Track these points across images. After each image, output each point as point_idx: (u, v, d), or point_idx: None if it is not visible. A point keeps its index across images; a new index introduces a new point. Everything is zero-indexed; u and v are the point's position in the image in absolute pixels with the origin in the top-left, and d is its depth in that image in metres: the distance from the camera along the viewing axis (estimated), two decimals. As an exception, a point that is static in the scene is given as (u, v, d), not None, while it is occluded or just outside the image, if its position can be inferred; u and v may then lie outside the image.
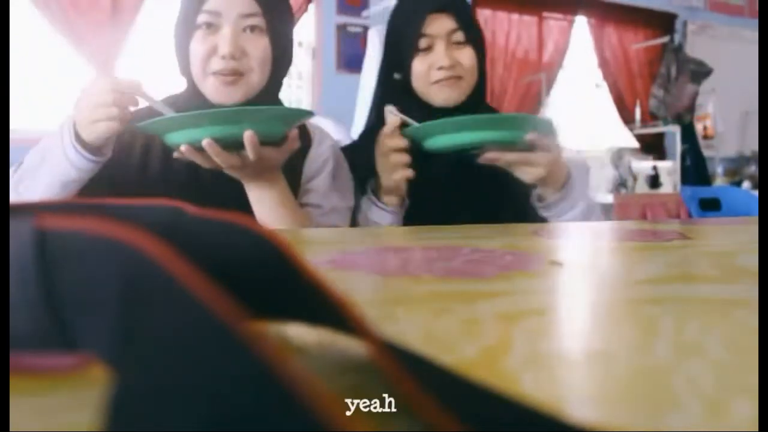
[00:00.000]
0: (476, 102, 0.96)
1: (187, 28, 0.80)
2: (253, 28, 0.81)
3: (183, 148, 0.68)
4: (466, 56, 0.92)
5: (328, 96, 3.63)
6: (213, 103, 0.81)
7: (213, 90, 0.81)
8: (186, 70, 0.83)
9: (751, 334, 0.22)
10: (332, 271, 0.36)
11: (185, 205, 0.18)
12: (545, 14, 4.35)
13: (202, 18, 0.79)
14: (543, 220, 0.87)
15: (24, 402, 0.15)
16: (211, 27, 0.79)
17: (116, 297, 0.12)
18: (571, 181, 0.86)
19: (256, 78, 0.82)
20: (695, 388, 0.16)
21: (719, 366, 0.18)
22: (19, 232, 0.14)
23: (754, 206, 1.96)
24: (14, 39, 2.82)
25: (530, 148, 0.81)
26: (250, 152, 0.68)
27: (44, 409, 0.14)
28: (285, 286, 0.16)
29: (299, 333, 0.20)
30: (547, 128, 0.83)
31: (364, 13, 3.66)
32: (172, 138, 0.69)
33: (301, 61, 3.75)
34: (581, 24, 4.50)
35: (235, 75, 0.80)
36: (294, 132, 0.73)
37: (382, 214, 0.88)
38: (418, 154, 0.86)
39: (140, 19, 3.13)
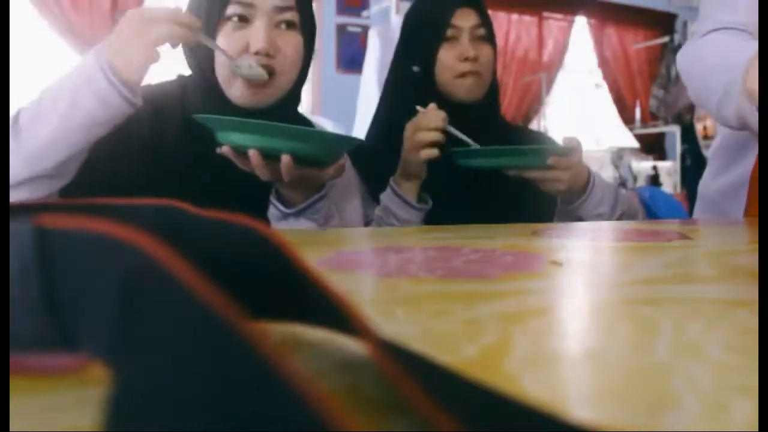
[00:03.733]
0: (493, 100, 0.98)
1: (211, 20, 0.71)
2: (287, 24, 0.73)
3: (225, 149, 0.66)
4: (487, 52, 0.94)
5: (328, 96, 3.63)
6: (237, 106, 0.74)
7: (239, 92, 0.73)
8: (207, 68, 0.73)
9: (751, 334, 0.22)
10: (332, 271, 0.36)
11: (185, 205, 0.18)
12: (545, 14, 4.36)
13: (232, 9, 0.71)
14: (579, 218, 0.90)
15: (24, 402, 0.15)
16: (242, 20, 0.71)
17: (116, 297, 0.12)
18: (593, 180, 0.89)
19: (286, 79, 0.75)
20: (695, 388, 0.16)
21: (719, 366, 0.18)
22: (19, 231, 0.14)
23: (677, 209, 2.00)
24: (14, 39, 2.82)
25: (549, 169, 0.86)
26: (285, 175, 0.65)
27: (44, 409, 0.14)
28: (285, 286, 0.16)
29: (299, 333, 0.20)
30: (571, 149, 0.89)
31: (364, 13, 3.66)
32: (222, 137, 0.67)
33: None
34: (581, 24, 4.50)
35: (268, 75, 0.72)
36: (342, 161, 0.71)
37: (405, 207, 0.88)
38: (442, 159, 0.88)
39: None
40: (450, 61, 0.92)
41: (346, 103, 3.01)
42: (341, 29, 3.71)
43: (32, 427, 0.13)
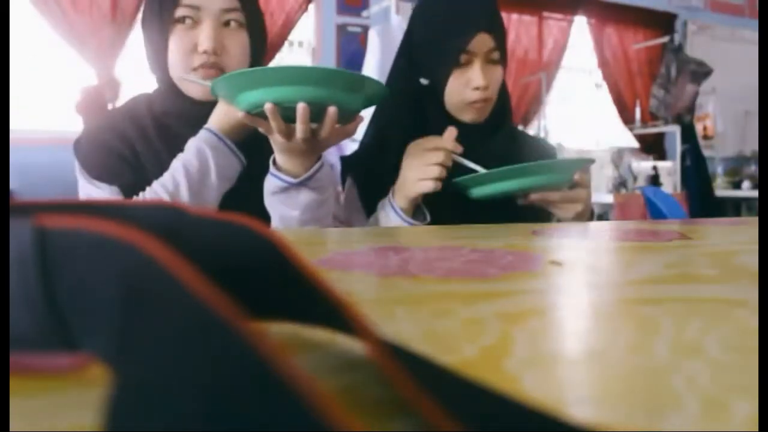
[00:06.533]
0: (501, 120, 0.95)
1: (163, 23, 0.79)
2: (232, 24, 0.80)
3: (268, 107, 0.64)
4: (497, 75, 0.91)
5: (328, 96, 3.62)
6: (193, 99, 0.81)
7: (193, 86, 0.80)
8: (162, 67, 0.81)
9: (751, 334, 0.22)
10: (332, 271, 0.36)
11: (185, 205, 0.18)
12: (545, 14, 4.35)
13: (180, 12, 0.78)
14: None
15: (24, 402, 0.15)
16: (190, 22, 0.78)
17: (116, 297, 0.12)
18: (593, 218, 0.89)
19: None
20: (695, 388, 0.16)
21: (719, 366, 0.18)
22: (19, 231, 0.14)
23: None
24: (14, 39, 2.82)
25: (571, 186, 0.82)
26: (326, 129, 0.67)
27: (44, 409, 0.14)
28: (285, 286, 0.16)
29: (299, 333, 0.20)
30: (588, 165, 0.84)
31: (364, 13, 3.66)
32: (251, 96, 0.65)
33: (301, 61, 3.75)
34: (581, 24, 4.50)
35: (216, 70, 0.79)
36: (360, 118, 0.72)
37: (400, 223, 0.85)
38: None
39: (140, 19, 3.13)
40: (460, 87, 0.89)
41: (346, 103, 3.00)
42: (341, 29, 3.71)
43: (32, 427, 0.13)
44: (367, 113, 0.90)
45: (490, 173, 0.80)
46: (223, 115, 0.77)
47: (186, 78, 0.77)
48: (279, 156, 0.73)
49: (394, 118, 0.95)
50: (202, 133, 0.77)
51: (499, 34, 0.91)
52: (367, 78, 0.70)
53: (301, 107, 0.64)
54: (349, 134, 0.72)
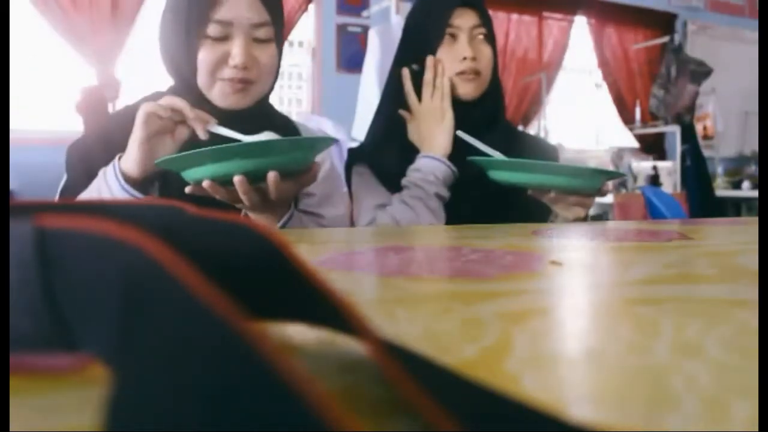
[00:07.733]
0: (494, 102, 0.98)
1: (191, 38, 0.78)
2: (263, 37, 0.80)
3: (206, 183, 0.65)
4: (486, 53, 0.94)
5: (328, 96, 3.63)
6: (220, 108, 0.80)
7: (221, 96, 0.80)
8: (190, 77, 0.80)
9: (751, 334, 0.22)
10: (332, 271, 0.36)
11: (185, 205, 0.18)
12: (545, 14, 4.35)
13: (212, 28, 0.77)
14: None
15: (24, 402, 0.15)
16: (222, 36, 0.78)
17: (116, 297, 0.12)
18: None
19: (263, 86, 0.82)
20: (695, 388, 0.16)
21: (719, 366, 0.18)
22: (19, 231, 0.14)
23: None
24: (14, 39, 2.82)
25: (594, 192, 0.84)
26: (272, 192, 0.66)
27: (44, 409, 0.14)
28: (285, 286, 0.16)
29: (299, 333, 0.20)
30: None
31: (364, 13, 3.65)
32: (193, 173, 0.66)
33: (301, 61, 3.75)
34: (581, 24, 4.50)
35: (244, 85, 0.79)
36: (317, 165, 0.71)
37: (443, 167, 0.89)
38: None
39: (140, 19, 3.14)
40: (447, 61, 0.93)
41: (346, 103, 3.01)
42: (341, 29, 3.71)
43: (32, 427, 0.13)
44: (368, 114, 0.91)
45: (535, 164, 0.79)
46: None
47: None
48: (249, 213, 0.73)
49: (393, 106, 0.99)
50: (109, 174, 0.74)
51: (484, 11, 0.95)
52: (301, 140, 0.70)
53: (237, 181, 0.64)
54: (307, 184, 0.72)
